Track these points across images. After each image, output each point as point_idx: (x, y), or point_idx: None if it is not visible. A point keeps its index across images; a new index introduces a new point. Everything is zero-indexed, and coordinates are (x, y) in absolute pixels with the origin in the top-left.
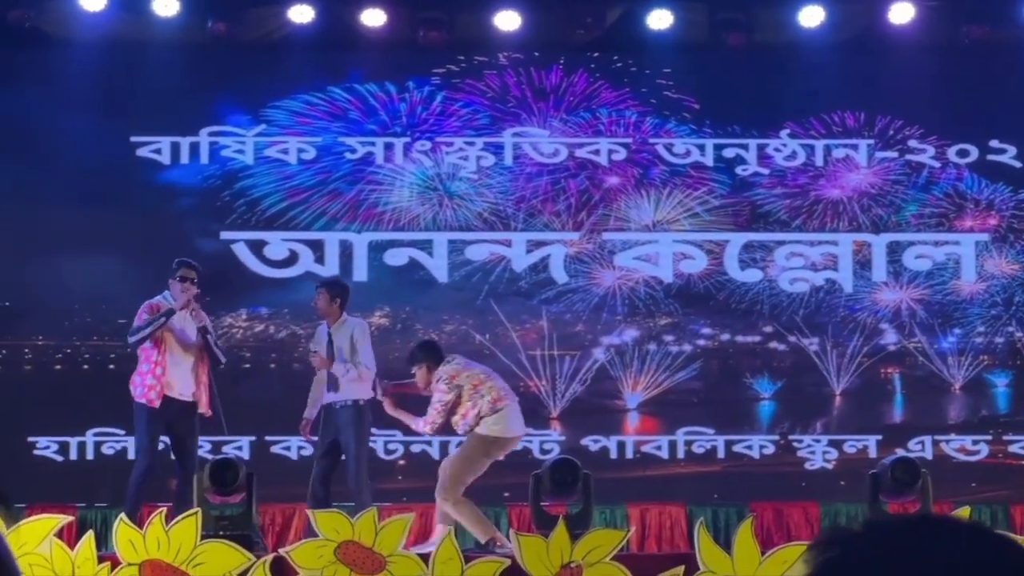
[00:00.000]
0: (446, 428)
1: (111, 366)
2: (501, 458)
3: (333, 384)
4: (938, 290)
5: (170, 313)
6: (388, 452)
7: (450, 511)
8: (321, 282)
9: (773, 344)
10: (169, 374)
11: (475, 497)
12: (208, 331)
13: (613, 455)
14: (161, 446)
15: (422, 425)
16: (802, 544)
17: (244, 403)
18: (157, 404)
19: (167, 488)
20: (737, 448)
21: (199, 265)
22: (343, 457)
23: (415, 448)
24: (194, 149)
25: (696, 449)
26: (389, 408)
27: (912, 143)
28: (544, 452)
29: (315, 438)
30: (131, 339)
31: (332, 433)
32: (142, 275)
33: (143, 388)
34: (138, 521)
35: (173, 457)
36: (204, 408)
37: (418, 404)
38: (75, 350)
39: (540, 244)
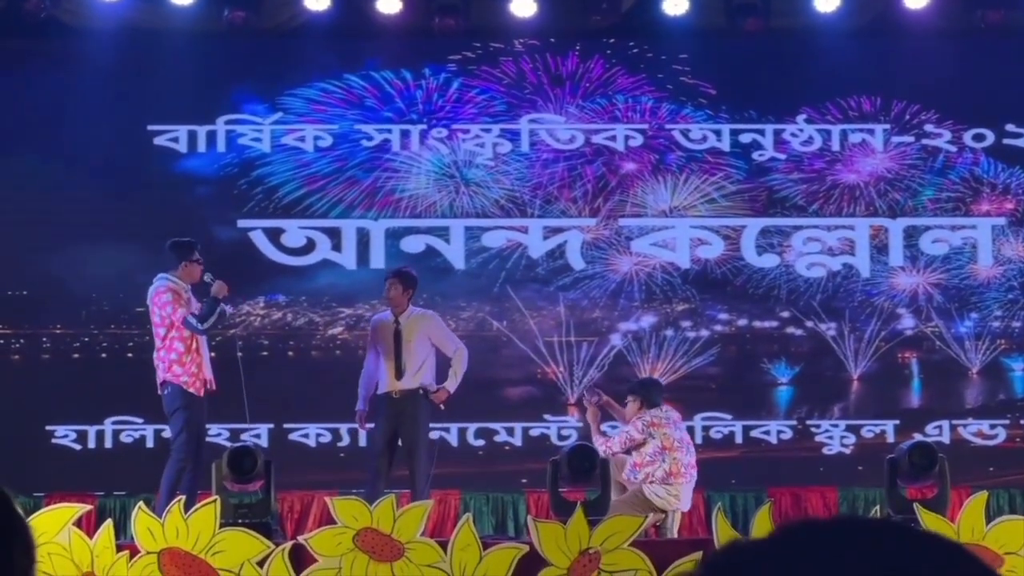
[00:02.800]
0: (463, 416)
1: (129, 354)
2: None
3: (398, 372)
4: (955, 274)
5: (217, 301)
6: None
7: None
8: (393, 272)
9: (790, 329)
10: (203, 362)
11: (493, 484)
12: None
13: None
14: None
15: (602, 444)
16: None
17: (262, 391)
18: (202, 393)
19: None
20: (755, 433)
21: (192, 240)
22: (399, 443)
23: (433, 435)
24: (211, 137)
25: (714, 434)
26: (591, 416)
27: (928, 127)
28: (562, 438)
29: (370, 425)
30: (204, 325)
31: (391, 423)
32: (160, 264)
33: (187, 376)
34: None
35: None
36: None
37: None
38: (93, 339)
39: (557, 231)
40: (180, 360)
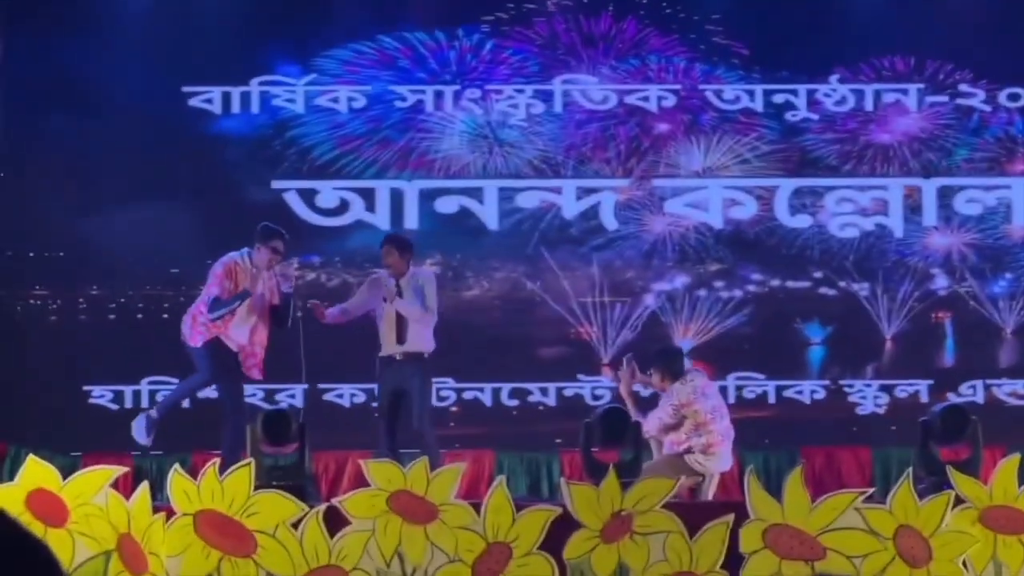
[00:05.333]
0: (497, 376)
1: (164, 315)
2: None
3: (403, 334)
4: (989, 234)
5: (245, 296)
6: (440, 399)
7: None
8: (389, 238)
9: (823, 289)
10: (229, 325)
11: (527, 444)
12: (291, 297)
13: None
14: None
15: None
16: (852, 492)
17: (297, 351)
18: (199, 343)
19: (219, 436)
20: (788, 393)
21: (284, 232)
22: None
23: (467, 395)
24: (245, 99)
25: (747, 394)
26: (625, 387)
27: (962, 87)
28: (596, 399)
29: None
30: (212, 315)
31: (394, 384)
32: (195, 225)
33: (191, 328)
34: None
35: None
36: (253, 370)
37: None
38: (129, 300)
39: (590, 191)
40: (191, 325)
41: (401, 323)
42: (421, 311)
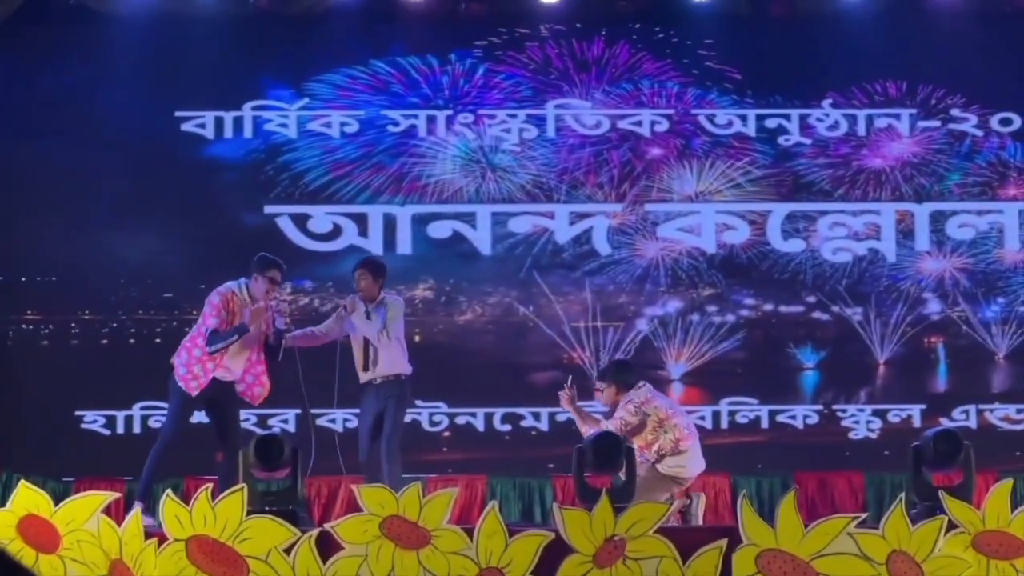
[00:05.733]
0: (489, 401)
1: (157, 340)
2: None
3: (372, 360)
4: (981, 259)
5: (243, 331)
6: (433, 424)
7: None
8: (363, 262)
9: (816, 314)
10: (222, 361)
11: (520, 469)
12: (284, 335)
13: None
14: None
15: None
16: (845, 517)
17: (289, 376)
18: (195, 393)
19: (213, 462)
20: (781, 418)
21: (282, 263)
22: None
23: (460, 420)
24: (238, 123)
25: (740, 419)
26: (567, 403)
27: (954, 112)
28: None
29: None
30: (210, 348)
31: (375, 407)
32: (187, 249)
33: (187, 374)
34: (153, 499)
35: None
36: (254, 398)
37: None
38: (121, 324)
39: (583, 216)
40: (188, 353)
41: (368, 348)
42: (385, 336)
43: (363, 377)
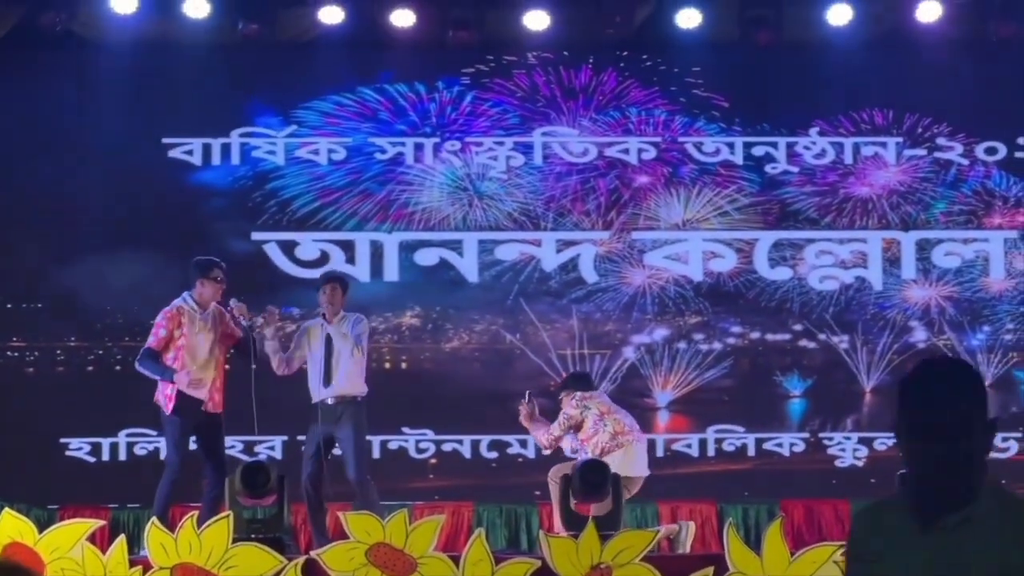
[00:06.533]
0: (476, 428)
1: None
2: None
3: (326, 378)
4: (967, 287)
5: (168, 377)
6: (419, 451)
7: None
8: (331, 276)
9: (803, 342)
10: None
11: (506, 496)
12: (253, 331)
13: None
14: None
15: (544, 435)
16: (832, 545)
17: (276, 403)
18: (170, 409)
19: (199, 489)
20: (767, 446)
21: (220, 261)
22: (337, 452)
23: (446, 447)
24: (225, 150)
25: (726, 447)
26: (526, 419)
27: (940, 140)
28: (574, 451)
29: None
30: (138, 365)
31: (325, 429)
32: (174, 276)
33: (159, 394)
34: (168, 523)
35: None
36: (215, 407)
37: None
38: (107, 351)
39: (570, 244)
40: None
41: (328, 366)
42: (359, 352)
43: (318, 395)
